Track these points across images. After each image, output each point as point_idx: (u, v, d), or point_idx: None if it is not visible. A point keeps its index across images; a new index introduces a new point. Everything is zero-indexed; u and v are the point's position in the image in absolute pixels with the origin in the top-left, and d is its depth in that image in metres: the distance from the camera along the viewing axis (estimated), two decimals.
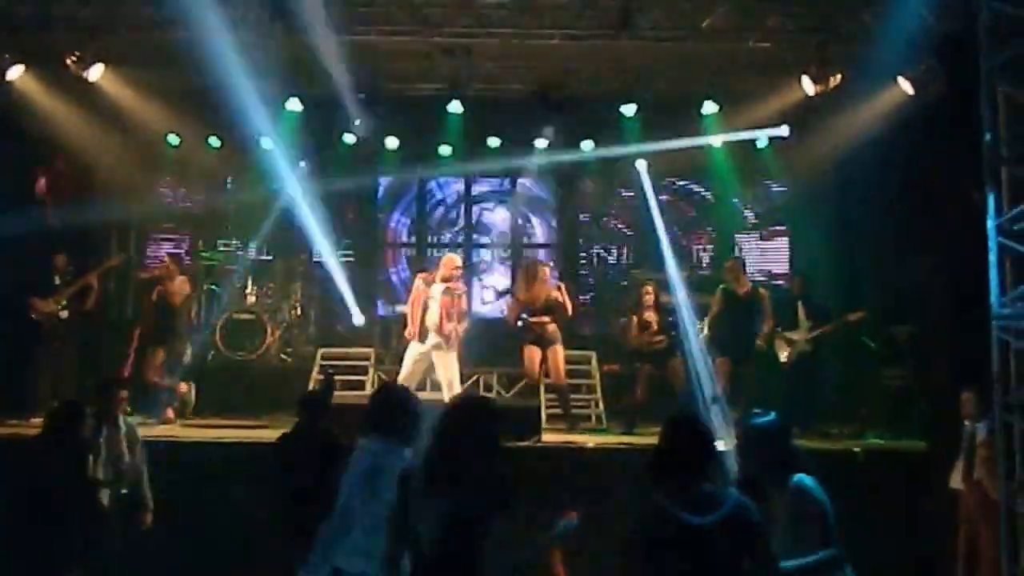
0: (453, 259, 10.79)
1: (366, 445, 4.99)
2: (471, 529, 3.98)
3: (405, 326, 10.68)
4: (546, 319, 10.87)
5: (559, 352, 10.91)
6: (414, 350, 10.36)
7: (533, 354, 10.95)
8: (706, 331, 11.56)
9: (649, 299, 11.34)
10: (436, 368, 10.39)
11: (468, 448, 4.12)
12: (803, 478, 4.65)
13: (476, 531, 3.99)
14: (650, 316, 11.22)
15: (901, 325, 11.47)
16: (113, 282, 13.45)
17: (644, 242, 14.76)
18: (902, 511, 8.79)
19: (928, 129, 10.33)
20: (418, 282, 10.67)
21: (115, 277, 13.31)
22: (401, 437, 4.92)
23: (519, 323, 11.14)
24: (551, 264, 11.50)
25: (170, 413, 11.23)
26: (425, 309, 10.36)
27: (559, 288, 11.13)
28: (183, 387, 11.58)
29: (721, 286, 11.58)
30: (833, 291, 12.55)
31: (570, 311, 11.11)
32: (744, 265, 11.82)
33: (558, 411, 11.32)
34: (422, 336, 10.30)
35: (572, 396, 11.54)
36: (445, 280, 10.46)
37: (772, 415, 4.91)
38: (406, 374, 10.33)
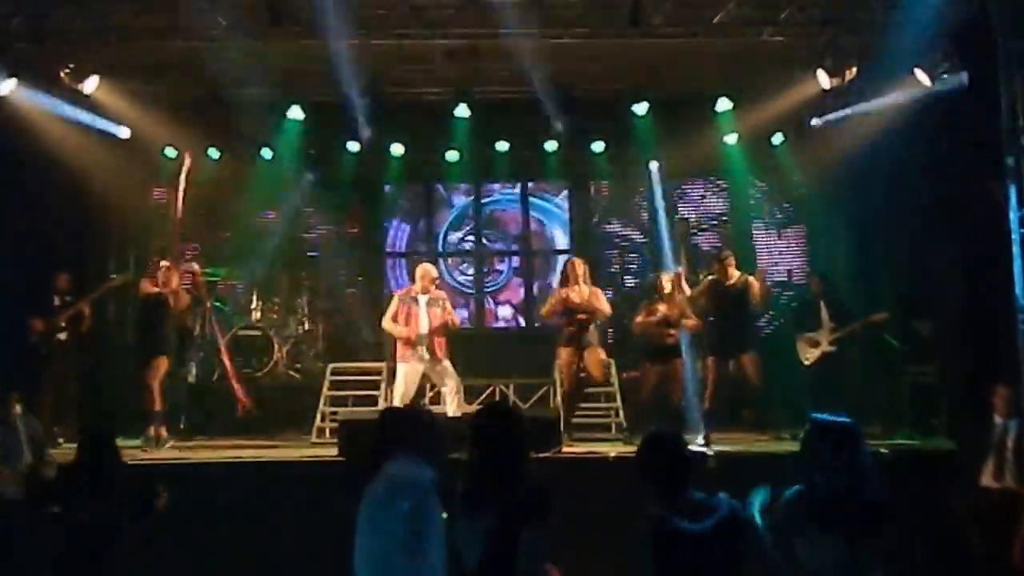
0: (429, 269, 10.89)
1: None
2: (514, 543, 4.07)
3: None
4: (583, 317, 10.77)
5: (598, 353, 10.86)
6: (405, 366, 10.48)
7: (569, 357, 10.86)
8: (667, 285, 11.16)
9: (664, 289, 11.11)
10: (437, 381, 10.60)
11: (507, 460, 4.26)
12: None
13: (518, 545, 4.08)
14: (662, 308, 10.97)
15: (922, 320, 11.64)
16: (114, 302, 13.51)
17: (660, 245, 14.84)
18: (932, 511, 8.87)
19: (946, 121, 10.43)
20: (395, 300, 10.81)
21: (116, 297, 13.33)
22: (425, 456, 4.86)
23: (555, 317, 11.08)
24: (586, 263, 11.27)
25: (163, 431, 10.94)
26: (416, 324, 10.49)
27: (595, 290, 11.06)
28: (162, 432, 10.98)
29: (708, 277, 11.54)
30: (851, 287, 12.67)
31: (608, 311, 11.10)
32: (732, 256, 11.50)
33: (579, 420, 11.47)
34: (414, 351, 10.44)
35: (592, 405, 11.73)
36: (425, 292, 10.63)
37: (841, 416, 4.78)
38: (402, 392, 10.43)
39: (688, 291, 11.21)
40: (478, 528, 4.07)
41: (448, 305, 10.77)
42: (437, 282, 10.87)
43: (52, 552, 6.38)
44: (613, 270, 15.62)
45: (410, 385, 10.47)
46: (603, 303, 10.95)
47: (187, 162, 12.63)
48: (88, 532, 6.33)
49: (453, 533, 4.23)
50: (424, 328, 10.43)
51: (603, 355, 11.08)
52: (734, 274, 11.23)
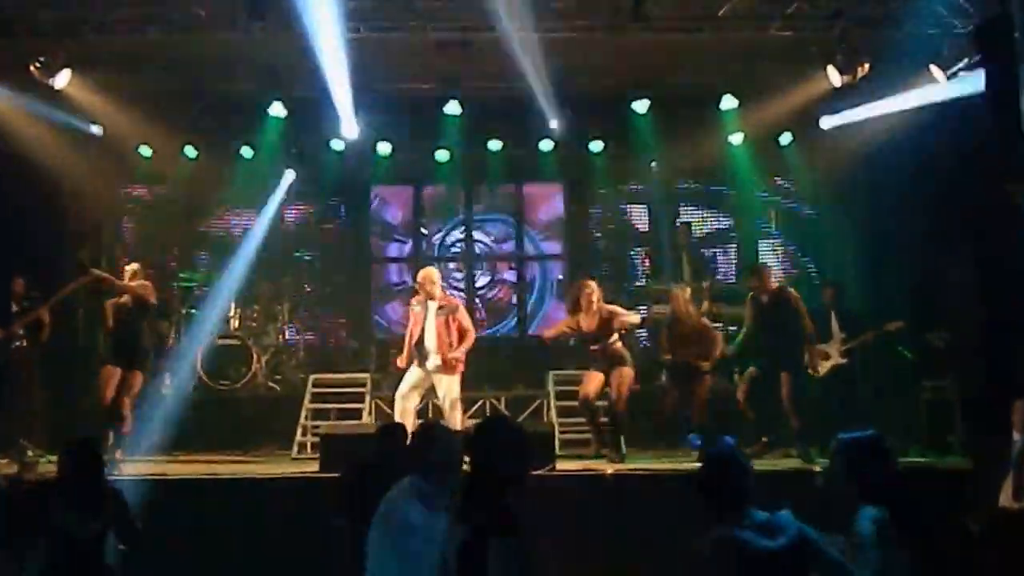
0: (430, 273, 10.87)
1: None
2: (479, 567, 4.04)
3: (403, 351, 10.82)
4: (598, 346, 10.76)
5: (626, 375, 10.71)
6: (414, 373, 10.52)
7: (592, 378, 10.82)
8: (733, 349, 11.32)
9: (680, 305, 11.17)
10: (437, 391, 10.56)
11: (502, 474, 4.29)
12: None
13: (484, 560, 4.06)
14: (680, 330, 11.05)
15: (936, 331, 11.69)
16: (83, 308, 13.50)
17: (662, 250, 14.91)
18: (948, 533, 8.88)
19: (963, 121, 10.47)
20: (412, 306, 10.85)
21: (84, 301, 13.32)
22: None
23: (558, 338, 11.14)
24: (596, 280, 11.20)
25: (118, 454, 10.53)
26: (423, 332, 10.52)
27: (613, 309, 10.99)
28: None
29: (751, 295, 11.17)
30: (862, 296, 12.72)
31: (636, 321, 11.21)
32: (765, 268, 11.49)
33: (573, 436, 11.51)
34: (422, 359, 10.47)
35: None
36: (430, 297, 10.63)
37: (868, 432, 5.06)
38: (403, 396, 10.47)
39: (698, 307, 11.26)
40: (456, 539, 4.11)
41: (461, 314, 10.73)
42: (436, 286, 10.77)
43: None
44: (606, 273, 15.56)
45: (413, 392, 10.50)
46: (627, 317, 10.94)
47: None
48: (72, 546, 6.33)
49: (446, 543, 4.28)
50: (430, 339, 10.46)
51: (631, 378, 10.80)
52: (771, 286, 11.10)
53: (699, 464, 4.79)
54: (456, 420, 10.30)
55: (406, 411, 10.36)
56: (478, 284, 15.92)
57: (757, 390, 10.92)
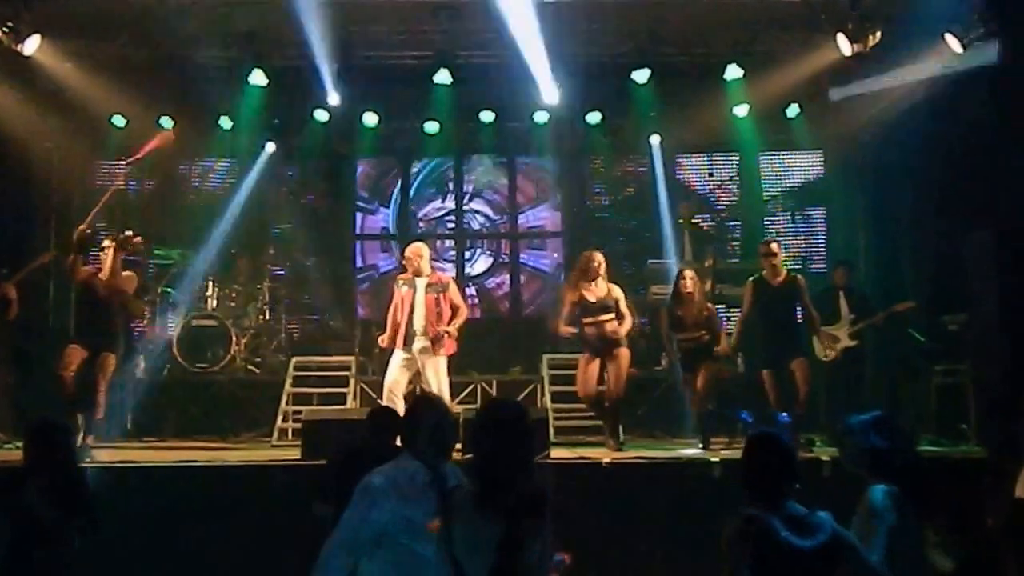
0: (419, 248, 10.78)
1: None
2: (522, 553, 4.06)
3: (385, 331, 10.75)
4: (604, 317, 10.49)
5: (623, 358, 10.53)
6: (400, 355, 10.46)
7: (590, 369, 10.55)
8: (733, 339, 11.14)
9: (686, 288, 10.91)
10: (424, 374, 10.49)
11: (515, 462, 4.27)
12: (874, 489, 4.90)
13: (525, 554, 4.08)
14: (685, 311, 10.86)
15: (951, 314, 11.62)
16: (53, 286, 13.45)
17: (662, 228, 14.80)
18: (961, 526, 8.88)
19: (979, 93, 10.43)
20: (398, 284, 10.75)
21: (54, 278, 13.27)
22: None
23: (571, 333, 10.71)
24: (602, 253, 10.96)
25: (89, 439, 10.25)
26: (411, 311, 10.45)
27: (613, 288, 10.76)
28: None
29: (752, 277, 10.90)
30: (873, 276, 12.71)
31: (628, 327, 10.72)
32: (778, 249, 10.96)
33: (568, 423, 11.48)
34: (408, 341, 10.41)
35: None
36: (418, 273, 10.57)
37: (874, 413, 5.25)
38: (391, 382, 10.41)
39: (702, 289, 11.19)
40: (483, 535, 4.06)
41: (453, 291, 10.69)
42: (426, 262, 10.72)
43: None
44: (605, 252, 15.48)
45: (401, 375, 10.44)
46: (626, 311, 10.65)
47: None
48: (38, 531, 6.31)
49: (450, 538, 4.24)
50: (419, 319, 10.40)
51: (627, 361, 10.60)
52: (782, 271, 10.81)
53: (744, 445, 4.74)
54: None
55: (394, 396, 10.28)
56: (468, 262, 15.88)
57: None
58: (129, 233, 10.88)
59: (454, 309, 10.55)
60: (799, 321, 10.78)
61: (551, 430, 10.77)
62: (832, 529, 4.34)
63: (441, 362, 10.46)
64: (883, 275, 12.73)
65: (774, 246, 10.85)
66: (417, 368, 10.48)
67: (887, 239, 13.10)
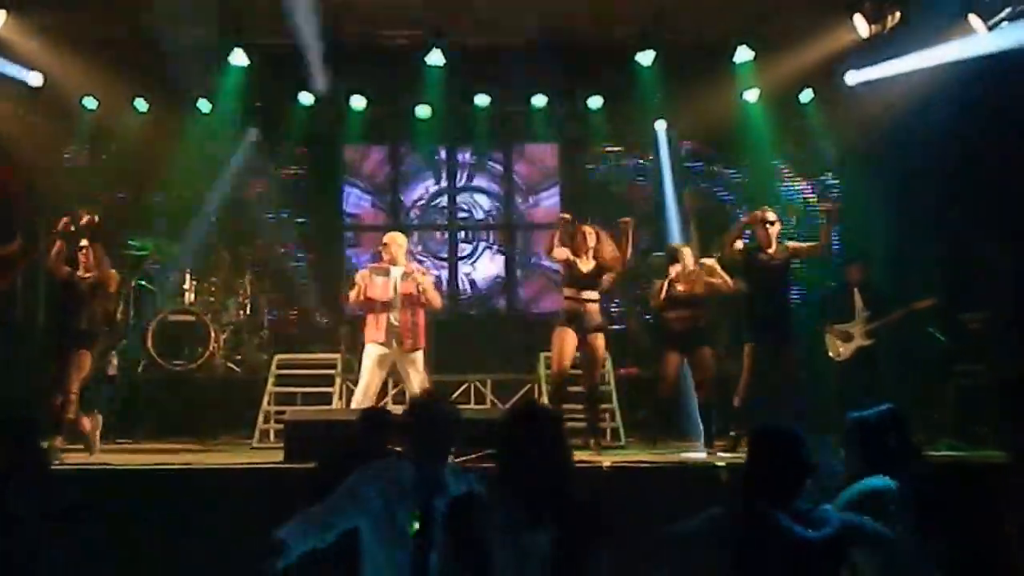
0: (396, 236, 10.81)
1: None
2: (580, 568, 4.04)
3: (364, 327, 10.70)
4: (587, 296, 10.47)
5: (599, 342, 10.52)
6: (374, 354, 10.43)
7: (565, 339, 10.45)
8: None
9: (682, 266, 10.90)
10: (404, 374, 10.52)
11: (556, 468, 4.20)
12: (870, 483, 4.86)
13: (584, 569, 4.06)
14: (682, 288, 10.78)
15: (971, 312, 11.59)
16: (21, 278, 13.37)
17: (665, 220, 14.83)
18: (983, 533, 8.84)
19: (1004, 79, 10.39)
20: (363, 274, 10.68)
21: (22, 271, 13.19)
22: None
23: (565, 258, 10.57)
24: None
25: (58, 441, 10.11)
26: (386, 304, 10.42)
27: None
28: (86, 423, 10.59)
29: (743, 243, 10.86)
30: (890, 271, 12.65)
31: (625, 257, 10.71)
32: (775, 218, 10.82)
33: (568, 424, 11.38)
34: (387, 336, 10.37)
35: (583, 406, 11.52)
36: (393, 263, 10.54)
37: (883, 407, 5.31)
38: (365, 384, 10.39)
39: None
40: (527, 548, 4.02)
41: (426, 281, 10.66)
42: (403, 251, 10.73)
43: None
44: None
45: (375, 376, 10.41)
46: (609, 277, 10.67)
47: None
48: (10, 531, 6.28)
49: (429, 546, 4.19)
50: (394, 313, 10.38)
51: (603, 348, 10.63)
52: (775, 243, 10.70)
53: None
54: None
55: (368, 396, 10.30)
56: (462, 255, 15.86)
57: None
58: (88, 217, 10.77)
59: (429, 303, 10.53)
60: (791, 305, 10.88)
61: None
62: (840, 520, 4.40)
63: (419, 358, 10.47)
64: (900, 270, 12.65)
65: (770, 214, 10.75)
66: (392, 365, 10.49)
67: (905, 233, 13.05)
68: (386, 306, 10.41)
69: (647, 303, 12.20)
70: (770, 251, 10.62)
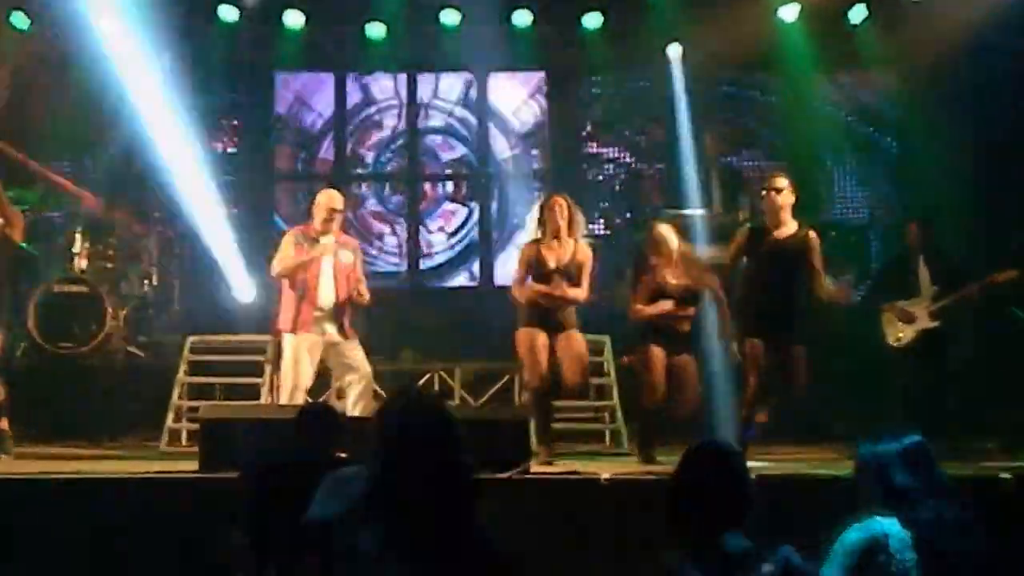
0: (332, 197, 10.65)
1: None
2: None
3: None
4: (562, 294, 10.27)
5: (576, 340, 10.38)
6: (299, 343, 10.31)
7: (535, 342, 10.33)
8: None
9: (667, 249, 10.52)
10: (338, 366, 10.48)
11: (431, 483, 4.01)
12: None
13: None
14: (668, 277, 10.44)
15: None
16: None
17: (677, 169, 14.80)
18: None
19: None
20: (289, 239, 10.60)
21: None
22: None
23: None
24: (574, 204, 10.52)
25: None
26: (316, 281, 10.35)
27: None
28: None
29: (748, 224, 11.07)
30: (963, 237, 12.61)
31: (582, 297, 10.43)
32: (786, 186, 10.44)
33: (555, 425, 11.35)
34: (318, 320, 10.32)
35: (575, 404, 11.61)
36: (326, 231, 10.43)
37: (908, 439, 5.00)
38: (291, 379, 10.28)
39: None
40: None
41: (360, 259, 10.74)
42: (341, 215, 10.68)
43: None
44: (607, 205, 15.49)
45: (303, 368, 10.28)
46: (585, 278, 10.39)
47: None
48: None
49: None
50: (328, 289, 10.32)
51: (583, 346, 10.51)
52: (787, 220, 10.42)
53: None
54: (365, 403, 10.12)
55: (301, 390, 10.22)
56: (424, 212, 15.88)
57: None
58: None
59: (359, 297, 10.49)
60: (801, 295, 10.49)
61: (531, 436, 10.63)
62: (783, 565, 4.08)
63: (357, 346, 10.43)
64: (976, 234, 12.61)
65: (780, 180, 10.47)
66: (324, 354, 10.40)
67: (980, 187, 13.01)
68: (319, 288, 10.33)
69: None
70: (780, 231, 10.36)
